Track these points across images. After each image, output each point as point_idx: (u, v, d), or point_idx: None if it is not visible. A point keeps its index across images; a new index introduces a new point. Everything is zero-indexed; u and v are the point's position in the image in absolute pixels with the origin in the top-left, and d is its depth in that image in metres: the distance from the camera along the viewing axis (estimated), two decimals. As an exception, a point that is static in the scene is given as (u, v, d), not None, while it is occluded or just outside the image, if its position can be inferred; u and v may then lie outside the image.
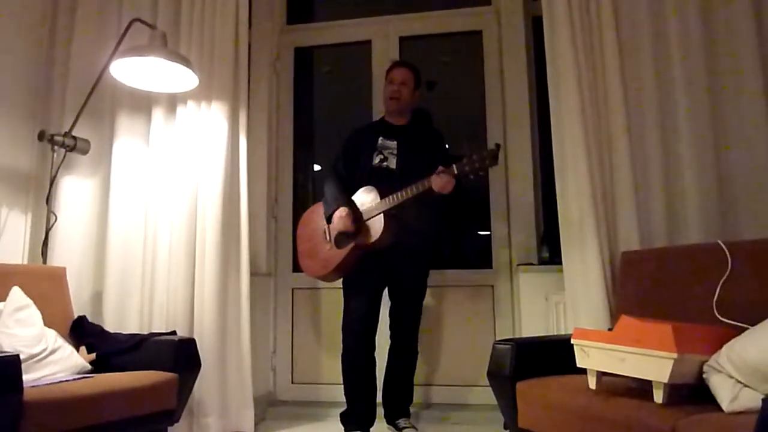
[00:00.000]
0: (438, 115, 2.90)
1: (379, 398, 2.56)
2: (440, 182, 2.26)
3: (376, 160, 2.56)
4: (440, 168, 2.27)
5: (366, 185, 2.48)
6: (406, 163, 2.54)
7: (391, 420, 2.57)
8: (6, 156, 2.61)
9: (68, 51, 2.80)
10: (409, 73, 2.65)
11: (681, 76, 2.31)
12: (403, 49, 3.30)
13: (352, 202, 2.49)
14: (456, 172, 2.25)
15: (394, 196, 2.35)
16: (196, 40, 2.70)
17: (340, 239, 2.48)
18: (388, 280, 2.55)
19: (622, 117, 2.33)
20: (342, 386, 2.52)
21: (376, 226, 2.39)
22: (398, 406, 2.58)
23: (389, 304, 2.58)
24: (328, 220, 2.50)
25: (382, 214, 2.38)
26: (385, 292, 2.58)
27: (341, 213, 2.43)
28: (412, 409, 2.64)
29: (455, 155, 2.40)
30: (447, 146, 2.73)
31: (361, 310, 2.47)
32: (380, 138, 2.60)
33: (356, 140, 2.66)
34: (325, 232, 2.55)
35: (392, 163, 2.55)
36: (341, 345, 2.50)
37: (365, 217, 2.43)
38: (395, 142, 2.58)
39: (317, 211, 2.64)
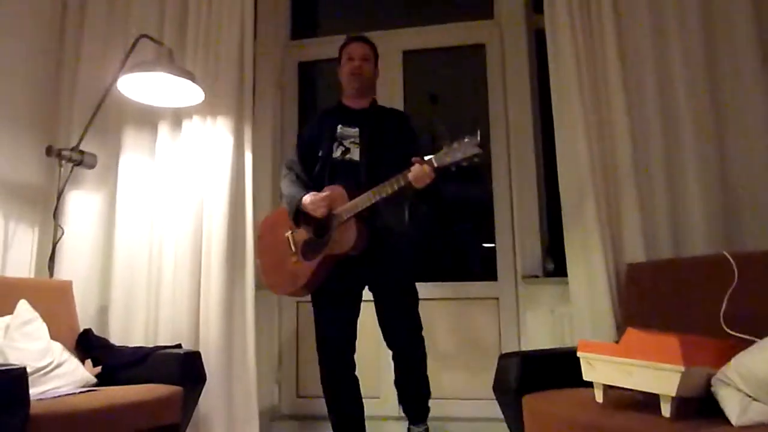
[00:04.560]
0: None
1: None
2: (416, 173, 1.97)
3: (338, 152, 2.28)
4: (416, 158, 2.00)
5: (328, 183, 2.21)
6: (371, 152, 2.25)
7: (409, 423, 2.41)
8: (14, 170, 2.63)
9: (76, 67, 2.83)
10: (369, 49, 2.40)
11: (684, 86, 2.31)
12: (406, 62, 3.33)
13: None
14: (435, 164, 1.97)
15: (366, 196, 2.07)
16: (202, 55, 2.73)
17: (308, 249, 2.19)
18: (371, 287, 2.28)
19: (625, 129, 2.33)
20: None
21: (349, 232, 2.10)
22: (411, 413, 2.38)
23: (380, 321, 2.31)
24: (295, 220, 2.22)
25: (353, 218, 2.10)
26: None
27: (311, 197, 2.14)
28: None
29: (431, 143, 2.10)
30: (414, 129, 2.41)
31: (333, 326, 2.24)
32: (339, 126, 2.31)
33: (312, 131, 2.39)
34: (289, 241, 2.26)
35: (355, 154, 2.26)
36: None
37: (335, 222, 2.14)
38: (357, 129, 2.29)
39: (279, 217, 2.34)
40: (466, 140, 1.93)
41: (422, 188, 2.01)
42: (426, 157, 2.01)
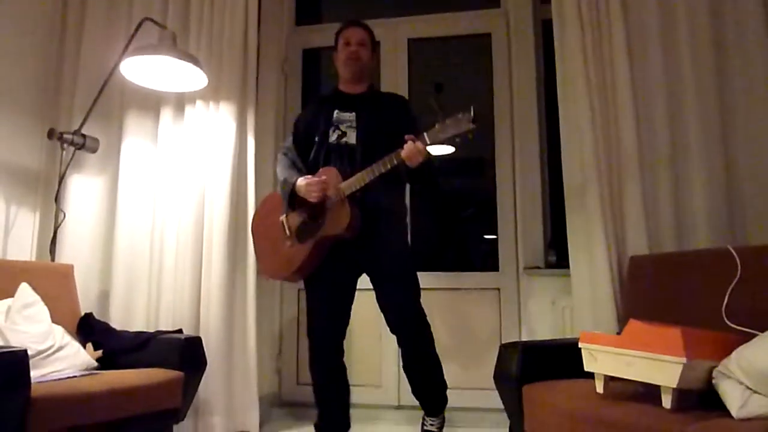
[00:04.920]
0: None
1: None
2: (409, 150, 1.96)
3: (333, 136, 2.24)
4: (408, 135, 1.99)
5: (323, 166, 2.20)
6: (368, 135, 2.21)
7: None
8: (16, 154, 2.63)
9: (78, 50, 2.82)
10: (366, 34, 2.36)
11: (691, 79, 2.30)
12: (411, 50, 3.30)
13: None
14: (428, 141, 1.95)
15: (360, 175, 2.05)
16: (206, 40, 2.72)
17: (302, 232, 2.18)
18: (368, 273, 2.25)
19: (631, 120, 2.32)
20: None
21: (343, 213, 2.07)
22: (424, 404, 2.37)
23: (384, 315, 2.26)
24: (291, 203, 2.20)
25: (347, 200, 2.08)
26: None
27: (305, 180, 2.12)
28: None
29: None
30: (413, 112, 2.36)
31: (325, 313, 2.21)
32: (336, 111, 2.28)
33: (308, 117, 2.35)
34: (283, 225, 2.24)
35: (351, 138, 2.22)
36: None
37: (328, 203, 2.13)
38: (353, 114, 2.26)
39: (273, 202, 2.34)
40: (459, 116, 1.90)
41: (416, 167, 2.00)
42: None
